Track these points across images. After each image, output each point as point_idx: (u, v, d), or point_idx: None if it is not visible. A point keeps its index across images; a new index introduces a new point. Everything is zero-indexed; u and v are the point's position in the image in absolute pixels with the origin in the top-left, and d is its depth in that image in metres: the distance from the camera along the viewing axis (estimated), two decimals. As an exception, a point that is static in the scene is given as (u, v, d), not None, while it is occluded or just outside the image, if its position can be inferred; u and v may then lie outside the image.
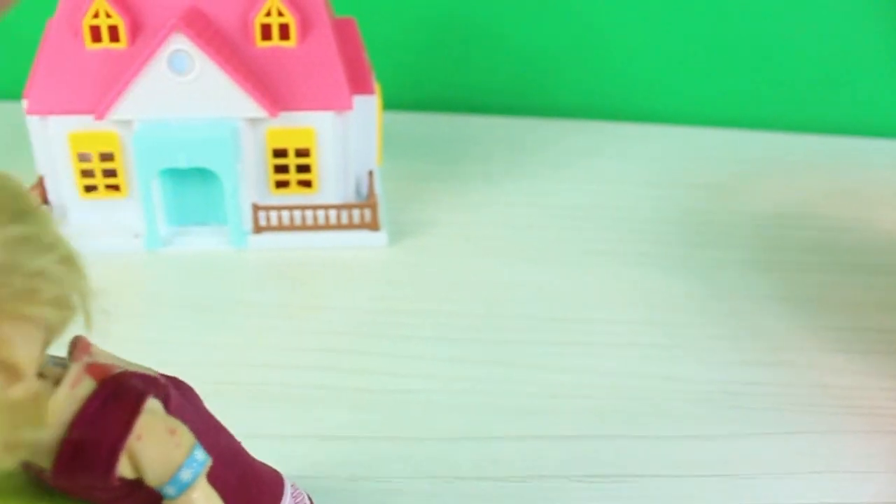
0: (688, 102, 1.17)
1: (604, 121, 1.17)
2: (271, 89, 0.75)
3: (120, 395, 0.33)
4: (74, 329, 0.31)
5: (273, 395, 0.59)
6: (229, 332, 0.65)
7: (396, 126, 1.01)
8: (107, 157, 0.77)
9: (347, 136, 0.78)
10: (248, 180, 0.77)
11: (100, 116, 0.73)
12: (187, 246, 0.77)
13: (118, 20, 0.75)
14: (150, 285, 0.72)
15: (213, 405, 0.56)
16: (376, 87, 0.82)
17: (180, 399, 0.38)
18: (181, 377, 0.56)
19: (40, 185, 0.80)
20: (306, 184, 0.79)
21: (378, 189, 0.82)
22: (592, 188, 0.93)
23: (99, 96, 0.74)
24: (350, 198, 0.82)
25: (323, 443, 0.55)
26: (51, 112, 0.75)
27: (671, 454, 0.55)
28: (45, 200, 0.81)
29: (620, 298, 0.71)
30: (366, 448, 0.54)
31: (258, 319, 0.67)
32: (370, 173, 0.83)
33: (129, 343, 0.63)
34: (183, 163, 0.73)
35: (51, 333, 0.31)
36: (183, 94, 0.73)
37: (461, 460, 0.54)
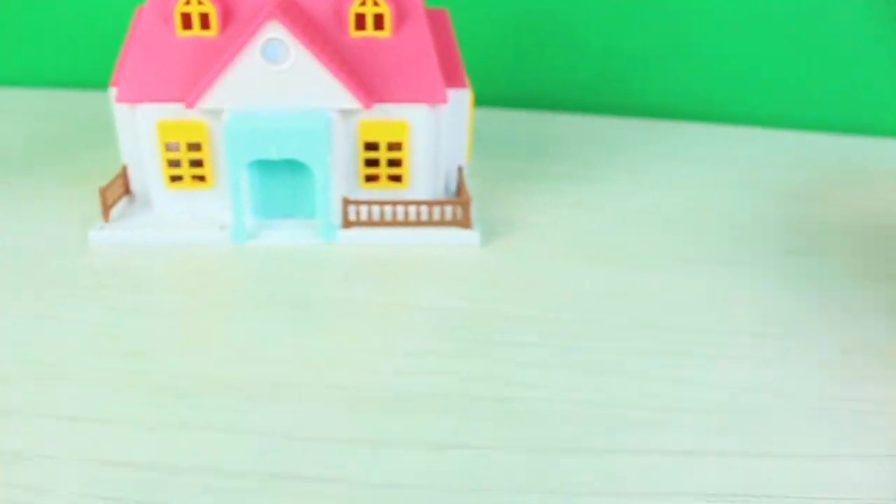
0: (775, 105, 1.13)
1: (688, 121, 1.14)
2: (365, 80, 0.73)
3: None
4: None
5: (376, 400, 0.56)
6: (322, 333, 0.63)
7: (480, 122, 0.99)
8: (194, 146, 0.75)
9: (440, 130, 0.76)
10: (339, 173, 0.75)
11: (190, 105, 0.71)
12: (274, 239, 0.75)
13: (210, 7, 0.73)
14: (237, 280, 0.70)
15: (315, 411, 0.54)
16: (468, 81, 0.79)
17: None
18: (278, 381, 0.54)
19: (123, 174, 0.79)
20: (396, 178, 0.77)
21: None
22: (682, 192, 0.89)
23: (189, 85, 0.73)
24: (439, 194, 0.79)
25: (430, 453, 0.52)
26: (139, 100, 0.73)
27: (797, 474, 0.52)
28: (128, 190, 0.79)
29: (724, 308, 0.68)
30: (474, 459, 0.52)
31: (352, 319, 0.65)
32: (459, 169, 0.80)
33: (217, 339, 0.62)
34: (274, 154, 0.71)
35: None
36: (275, 84, 0.71)
37: (575, 474, 0.51)
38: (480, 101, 1.00)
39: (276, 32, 0.69)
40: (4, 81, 1.20)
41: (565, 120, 1.10)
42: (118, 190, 0.79)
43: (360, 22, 0.74)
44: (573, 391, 0.57)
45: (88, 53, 1.16)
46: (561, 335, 0.63)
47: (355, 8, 0.74)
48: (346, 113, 0.73)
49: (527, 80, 1.14)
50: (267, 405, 0.55)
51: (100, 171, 0.87)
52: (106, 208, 0.75)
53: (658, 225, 0.82)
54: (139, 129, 0.75)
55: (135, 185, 0.80)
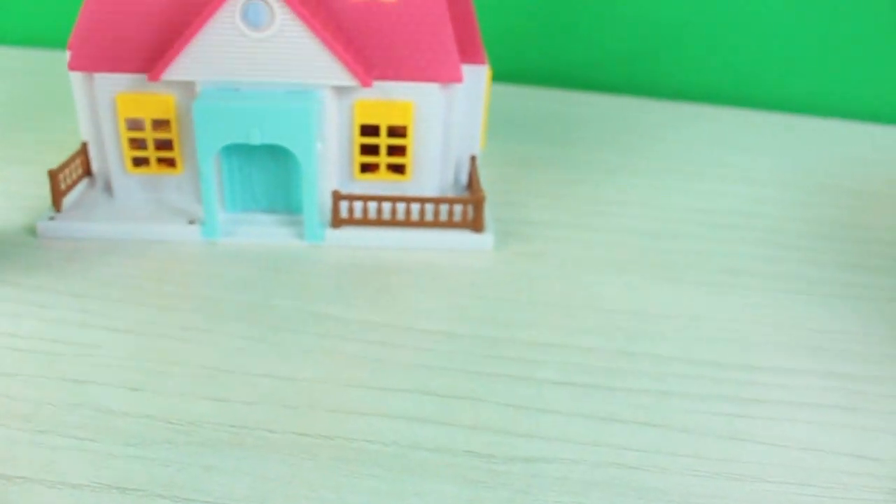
0: (826, 90, 1.01)
1: (728, 106, 1.02)
2: (364, 52, 0.61)
3: None
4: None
5: (359, 456, 0.45)
6: (300, 360, 0.52)
7: (495, 100, 0.87)
8: (161, 124, 0.63)
9: (452, 113, 0.64)
10: (329, 162, 0.63)
11: (154, 77, 0.60)
12: (250, 238, 0.63)
13: (182, -41, 0.61)
14: (203, 287, 0.58)
15: (285, 467, 0.43)
16: (485, 55, 0.67)
17: None
18: (243, 424, 0.43)
19: (83, 152, 0.67)
20: (398, 169, 0.65)
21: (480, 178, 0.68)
22: (723, 188, 0.78)
23: (155, 52, 0.61)
24: (448, 187, 0.67)
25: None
26: (97, 68, 0.61)
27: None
28: (89, 171, 0.68)
29: (783, 338, 0.57)
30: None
31: (336, 342, 0.54)
32: (472, 159, 0.68)
33: (171, 366, 0.51)
34: (254, 138, 0.59)
35: None
36: (257, 54, 0.59)
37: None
38: (497, 76, 0.88)
39: (257, -8, 0.57)
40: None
41: (593, 100, 0.98)
42: (75, 172, 0.67)
43: (361, -18, 0.62)
44: (603, 448, 0.46)
45: (58, 8, 1.04)
46: (589, 370, 0.52)
47: (355, -35, 0.62)
48: (339, 91, 0.62)
49: (550, 53, 1.01)
50: (225, 457, 0.44)
51: (63, 143, 0.75)
52: (57, 195, 0.64)
53: (701, 228, 0.71)
54: (97, 101, 0.63)
55: (96, 165, 0.68)
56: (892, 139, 0.95)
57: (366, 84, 0.60)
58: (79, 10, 1.00)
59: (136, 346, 0.53)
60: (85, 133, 0.67)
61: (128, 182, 0.66)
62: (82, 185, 0.68)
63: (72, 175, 0.67)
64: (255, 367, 0.51)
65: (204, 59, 0.59)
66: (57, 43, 1.07)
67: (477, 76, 0.66)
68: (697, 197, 0.76)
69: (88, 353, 0.52)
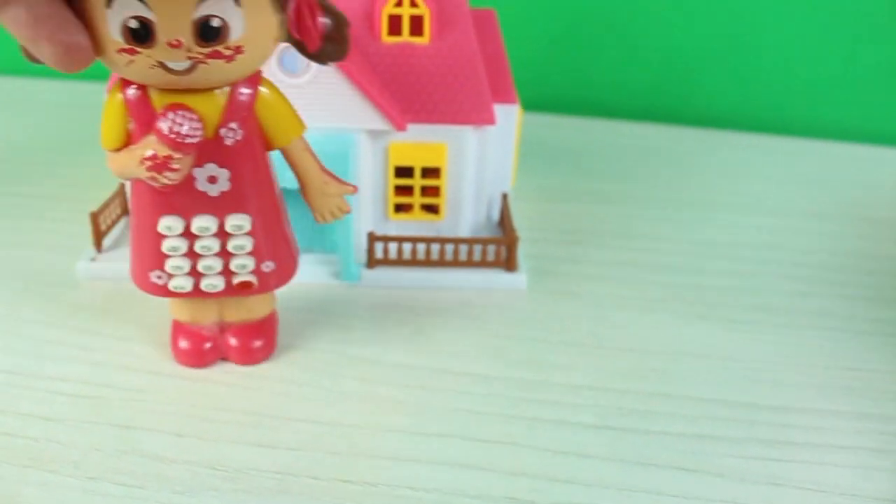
0: (852, 114, 1.01)
1: (754, 132, 1.02)
2: (398, 95, 0.62)
3: None
4: None
5: None
6: (340, 405, 0.53)
7: (524, 130, 0.88)
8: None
9: (485, 154, 0.65)
10: (364, 202, 0.64)
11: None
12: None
13: (220, 5, 0.62)
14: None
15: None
16: (517, 94, 0.68)
17: None
18: (288, 470, 0.44)
19: (121, 191, 0.69)
20: (432, 209, 0.66)
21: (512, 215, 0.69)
22: (750, 220, 0.79)
23: (193, 96, 0.62)
24: (480, 226, 0.68)
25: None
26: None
27: None
28: (127, 210, 0.69)
29: (815, 378, 0.57)
30: None
31: (375, 386, 0.55)
32: (504, 197, 0.69)
33: (215, 411, 0.52)
34: (289, 181, 0.60)
35: None
36: (293, 100, 0.60)
37: None
38: (526, 105, 0.89)
39: (294, 40, 0.58)
40: (9, 70, 1.10)
41: (621, 129, 0.99)
42: (114, 211, 0.69)
43: (395, 25, 0.64)
44: (643, 495, 0.47)
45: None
46: (625, 413, 0.53)
47: (389, 9, 0.63)
48: (374, 133, 0.63)
49: (578, 82, 1.02)
50: (271, 507, 0.45)
51: (100, 178, 0.77)
52: (98, 236, 0.66)
53: (728, 262, 0.71)
54: (136, 145, 0.64)
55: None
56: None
57: (400, 128, 0.61)
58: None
59: (180, 390, 0.54)
60: (123, 173, 0.69)
61: (166, 222, 0.67)
62: (122, 223, 0.70)
63: (111, 215, 0.68)
64: (297, 412, 0.52)
65: (242, 104, 0.60)
66: (90, 75, 1.08)
67: (508, 115, 0.67)
68: (724, 229, 0.77)
69: (135, 398, 0.53)
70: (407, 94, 0.63)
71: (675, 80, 1.02)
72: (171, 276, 0.50)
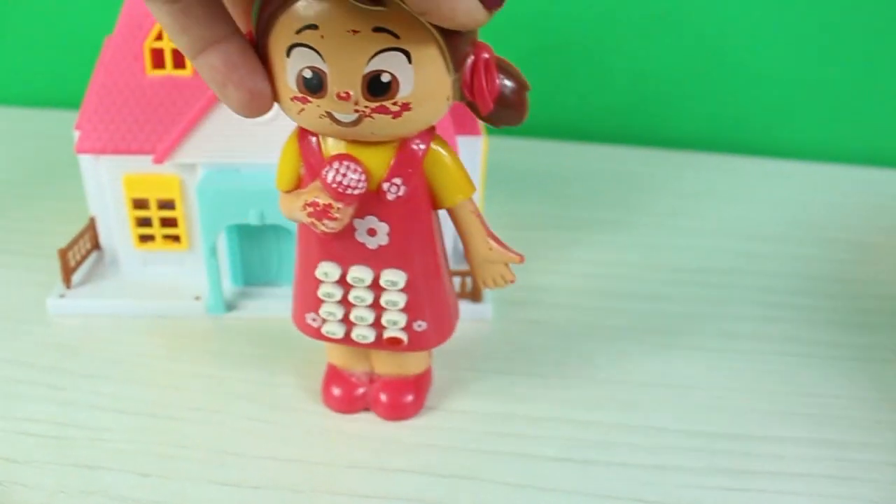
0: (821, 134, 1.02)
1: (724, 153, 1.03)
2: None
3: None
4: None
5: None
6: (304, 441, 0.54)
7: (490, 154, 0.88)
8: (166, 204, 0.65)
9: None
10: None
11: (159, 160, 0.62)
12: (255, 312, 0.65)
13: (184, 43, 0.62)
14: (211, 366, 0.60)
15: None
16: (482, 125, 0.69)
17: None
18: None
19: (91, 227, 0.69)
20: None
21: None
22: (721, 244, 0.79)
23: (160, 134, 0.63)
24: (448, 256, 0.69)
25: None
26: (103, 151, 0.63)
27: None
28: (97, 245, 0.69)
29: (777, 405, 0.58)
30: None
31: (338, 421, 0.56)
32: (470, 226, 0.70)
33: (181, 449, 0.52)
34: (254, 219, 0.61)
35: None
36: (258, 137, 0.61)
37: None
38: (489, 128, 0.90)
39: (257, 78, 0.59)
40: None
41: (589, 151, 1.00)
42: (84, 247, 0.69)
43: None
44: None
45: (73, 68, 1.06)
46: (587, 445, 0.54)
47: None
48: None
49: (546, 105, 1.03)
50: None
51: (69, 211, 0.77)
52: (67, 272, 0.66)
53: (696, 289, 0.72)
54: (103, 183, 0.65)
55: (104, 239, 0.70)
56: (888, 183, 0.96)
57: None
58: (78, 68, 1.02)
59: (146, 428, 0.54)
60: (93, 208, 0.69)
61: (135, 257, 0.67)
62: (91, 258, 0.70)
63: (81, 250, 0.69)
64: (261, 449, 0.53)
65: (206, 142, 0.61)
66: (53, 102, 1.09)
67: (473, 147, 0.67)
68: (694, 255, 0.77)
69: (100, 438, 0.53)
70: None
71: (643, 102, 1.03)
72: (324, 320, 0.51)
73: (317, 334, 0.51)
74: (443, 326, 0.51)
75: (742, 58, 1.00)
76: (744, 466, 0.53)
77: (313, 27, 0.38)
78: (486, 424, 0.55)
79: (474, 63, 0.41)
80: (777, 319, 0.68)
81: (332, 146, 0.44)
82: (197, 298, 0.65)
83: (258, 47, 0.41)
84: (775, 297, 0.71)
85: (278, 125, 0.60)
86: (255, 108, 0.41)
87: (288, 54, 0.40)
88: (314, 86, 0.40)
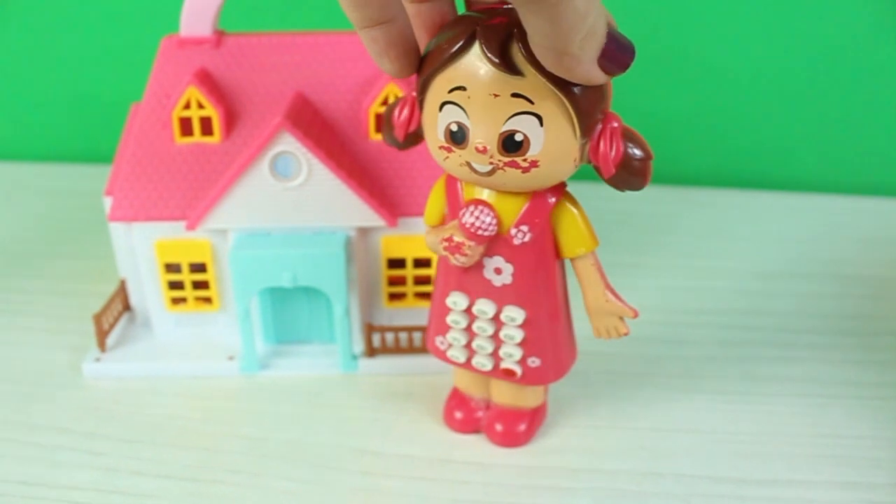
0: (830, 165, 1.04)
1: (733, 188, 1.05)
2: (387, 192, 0.65)
3: None
4: None
5: None
6: (345, 501, 0.55)
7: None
8: (198, 268, 0.67)
9: (473, 242, 0.67)
10: (359, 294, 0.66)
11: (191, 226, 0.64)
12: (288, 370, 0.67)
13: (212, 111, 0.65)
14: (248, 426, 0.61)
15: None
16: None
17: None
18: None
19: (122, 289, 0.71)
20: (426, 296, 0.68)
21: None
22: (733, 284, 0.81)
23: (190, 200, 0.65)
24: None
25: None
26: (135, 218, 0.65)
27: None
28: (128, 306, 0.71)
29: (802, 448, 0.60)
30: None
31: (378, 479, 0.57)
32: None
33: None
34: (286, 282, 0.62)
35: None
36: (287, 202, 0.63)
37: None
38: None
39: (286, 145, 0.61)
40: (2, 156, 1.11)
41: (597, 192, 1.01)
42: (116, 310, 0.71)
43: (381, 123, 0.66)
44: None
45: (98, 122, 1.08)
46: (618, 495, 0.55)
47: (376, 108, 0.66)
48: (366, 229, 0.65)
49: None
50: None
51: (99, 270, 0.79)
52: (101, 336, 0.67)
53: (713, 331, 0.73)
54: (136, 248, 0.66)
55: (135, 300, 0.72)
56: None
57: (391, 224, 0.64)
58: (98, 122, 1.04)
59: (189, 493, 0.56)
60: (123, 270, 0.71)
61: (167, 319, 0.69)
62: (123, 319, 0.72)
63: (113, 313, 0.70)
64: (303, 510, 0.54)
65: (237, 208, 0.63)
66: (87, 158, 1.10)
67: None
68: (708, 296, 0.79)
69: (145, 504, 0.54)
70: (396, 189, 0.65)
71: (649, 141, 1.05)
72: (450, 344, 0.56)
73: (442, 356, 0.57)
74: (556, 365, 0.55)
75: (745, 93, 1.02)
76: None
77: (462, 88, 0.44)
78: (520, 477, 0.57)
79: (602, 130, 0.46)
80: (797, 360, 0.69)
81: (468, 191, 0.50)
82: (230, 358, 0.67)
83: (419, 102, 0.48)
84: (794, 336, 0.73)
85: (307, 191, 0.62)
86: (403, 75, 0.47)
87: (440, 109, 0.46)
88: (458, 138, 0.46)
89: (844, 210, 0.98)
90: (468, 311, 0.54)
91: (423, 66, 0.46)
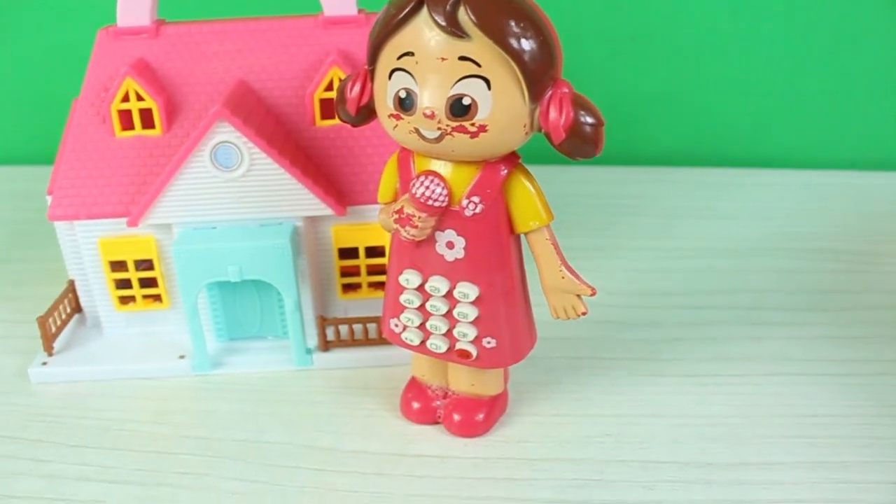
0: (804, 140, 1.02)
1: (707, 167, 1.03)
2: (336, 180, 0.63)
3: None
4: None
5: None
6: (296, 500, 0.53)
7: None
8: (144, 264, 0.64)
9: (427, 228, 0.65)
10: (311, 286, 0.64)
11: (133, 222, 0.61)
12: (241, 367, 0.64)
13: (151, 102, 0.63)
14: (198, 427, 0.59)
15: None
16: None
17: None
18: None
19: (70, 290, 0.68)
20: (381, 286, 0.66)
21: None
22: (704, 263, 0.79)
23: (133, 195, 0.62)
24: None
25: None
26: (76, 216, 0.62)
27: None
28: (78, 308, 0.69)
29: (771, 429, 0.58)
30: None
31: (331, 476, 0.55)
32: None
33: None
34: (233, 276, 0.60)
35: None
36: (230, 194, 0.61)
37: None
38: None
39: (226, 134, 0.59)
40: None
41: (567, 174, 0.99)
42: (64, 311, 0.68)
43: (328, 109, 0.64)
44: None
45: (42, 121, 1.05)
46: (581, 484, 0.53)
47: (320, 93, 0.63)
48: (315, 219, 0.63)
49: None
50: None
51: (47, 271, 0.76)
52: (48, 340, 0.65)
53: (683, 312, 0.72)
54: (80, 247, 0.64)
55: (84, 301, 0.69)
56: (872, 185, 0.96)
57: (340, 213, 0.61)
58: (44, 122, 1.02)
59: (134, 497, 0.53)
60: (71, 271, 0.69)
61: (117, 319, 0.67)
62: (73, 321, 0.69)
63: (61, 315, 0.68)
64: (254, 512, 0.52)
65: (179, 201, 0.61)
66: (31, 159, 1.08)
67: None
68: (679, 277, 0.77)
69: (89, 517, 0.52)
70: (345, 177, 0.63)
71: (615, 121, 1.03)
72: (405, 326, 0.54)
73: (397, 339, 0.55)
74: (513, 347, 0.54)
75: (716, 70, 1.00)
76: (742, 496, 0.52)
77: (410, 54, 0.45)
78: (479, 470, 0.55)
79: (552, 96, 0.45)
80: (768, 338, 0.68)
81: (419, 164, 0.49)
82: (181, 357, 0.64)
83: (370, 73, 0.48)
84: (765, 314, 0.71)
85: (250, 181, 0.60)
86: None
87: (390, 77, 0.46)
88: (407, 105, 0.46)
89: (817, 185, 0.97)
90: (421, 288, 0.52)
91: (373, 34, 0.46)
